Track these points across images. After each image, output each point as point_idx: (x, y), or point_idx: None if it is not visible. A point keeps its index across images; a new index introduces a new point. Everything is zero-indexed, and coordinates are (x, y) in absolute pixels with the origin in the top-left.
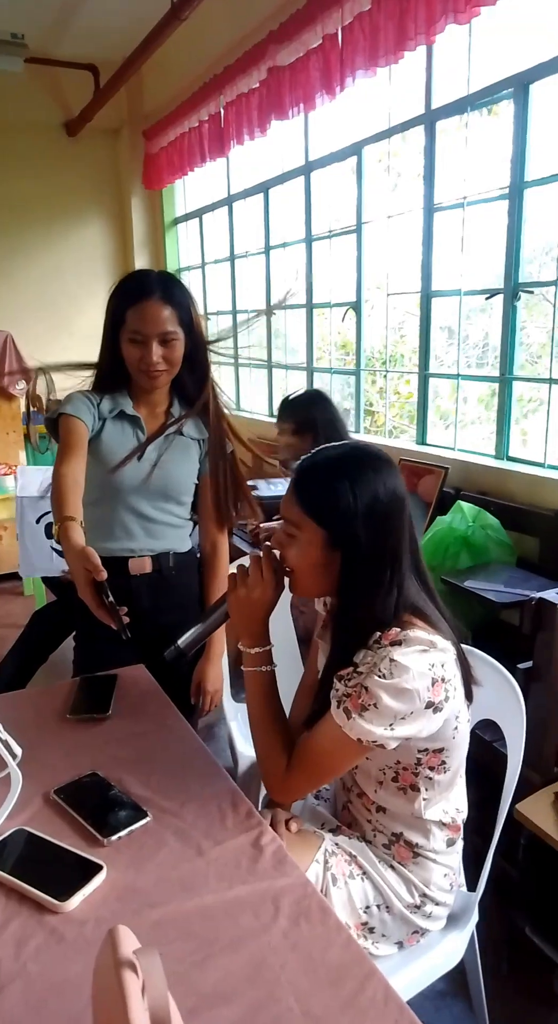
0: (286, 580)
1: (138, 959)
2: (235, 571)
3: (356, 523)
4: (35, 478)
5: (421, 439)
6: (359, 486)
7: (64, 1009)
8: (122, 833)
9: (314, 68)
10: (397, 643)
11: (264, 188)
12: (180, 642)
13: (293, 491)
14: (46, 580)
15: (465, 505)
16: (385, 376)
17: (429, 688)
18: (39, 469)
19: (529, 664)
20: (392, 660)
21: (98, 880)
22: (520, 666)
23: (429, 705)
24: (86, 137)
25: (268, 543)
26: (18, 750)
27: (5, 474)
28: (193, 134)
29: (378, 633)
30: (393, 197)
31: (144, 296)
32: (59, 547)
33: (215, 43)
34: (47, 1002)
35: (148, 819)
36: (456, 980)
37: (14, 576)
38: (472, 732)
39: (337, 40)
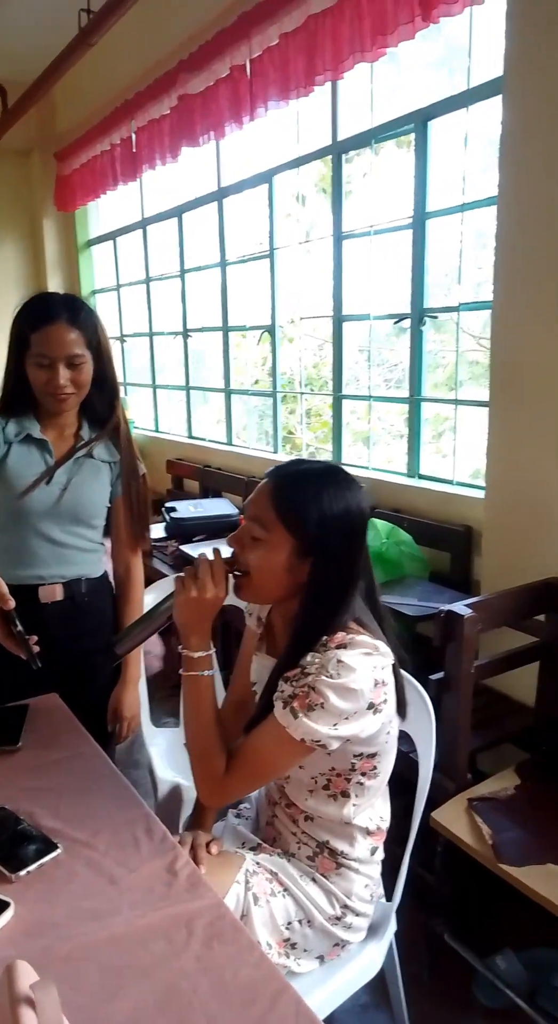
0: (233, 585)
1: (35, 993)
2: (183, 574)
3: (329, 535)
4: None
5: (336, 457)
6: (336, 500)
7: None
8: (31, 868)
9: (224, 97)
10: (343, 646)
11: (178, 212)
12: (116, 648)
13: (268, 496)
14: None
15: (379, 522)
16: (300, 398)
17: (372, 689)
18: None
19: (440, 675)
20: (340, 661)
21: (5, 918)
22: (432, 677)
23: (370, 706)
24: None
25: (216, 548)
26: None
27: None
28: (105, 157)
29: (325, 637)
30: (305, 224)
31: (49, 320)
32: None
33: (127, 68)
34: None
35: (59, 851)
36: (378, 991)
37: None
38: None
39: (246, 71)
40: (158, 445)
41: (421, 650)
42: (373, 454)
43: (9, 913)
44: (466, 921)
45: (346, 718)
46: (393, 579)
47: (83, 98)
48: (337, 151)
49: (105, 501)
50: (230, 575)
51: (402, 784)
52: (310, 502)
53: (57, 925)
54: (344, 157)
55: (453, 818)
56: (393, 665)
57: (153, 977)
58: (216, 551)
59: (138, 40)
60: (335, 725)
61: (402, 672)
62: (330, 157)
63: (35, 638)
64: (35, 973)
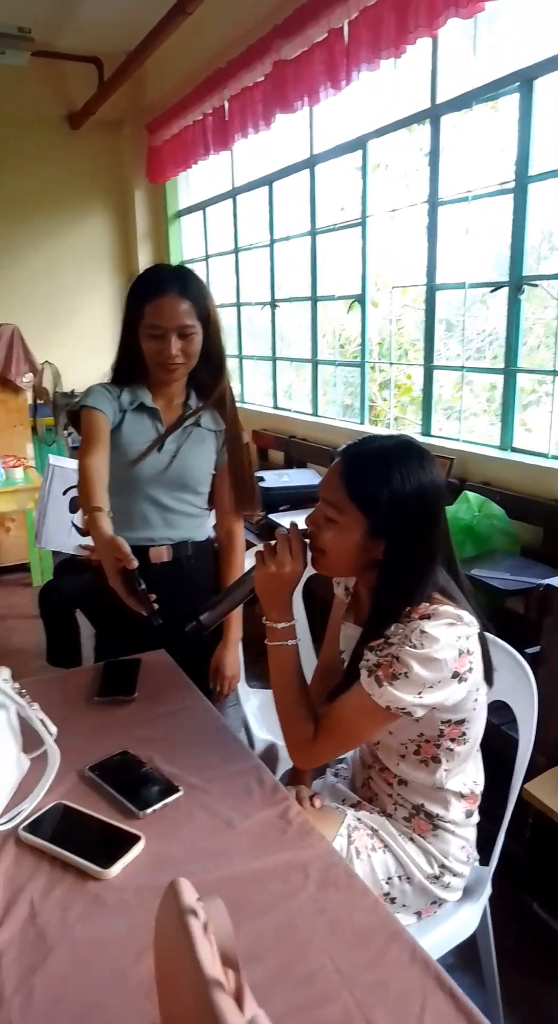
0: (310, 558)
1: (202, 906)
2: (262, 549)
3: (402, 515)
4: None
5: (426, 430)
6: (408, 479)
7: (109, 967)
8: (156, 807)
9: (318, 62)
10: (426, 616)
11: (268, 181)
12: (202, 617)
13: (340, 477)
14: (60, 562)
15: (471, 495)
16: (390, 367)
17: (456, 658)
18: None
19: (536, 649)
20: (423, 632)
21: (137, 850)
22: (527, 650)
23: (455, 675)
24: (89, 130)
25: (294, 523)
26: (54, 729)
27: (14, 466)
28: (197, 127)
29: (408, 608)
30: (398, 191)
31: (162, 291)
32: (80, 525)
33: (219, 36)
34: (93, 961)
35: (180, 793)
36: (466, 955)
37: (22, 568)
38: None
39: (342, 34)
40: (243, 416)
41: (510, 624)
42: (462, 426)
43: (140, 846)
44: (554, 892)
45: (430, 687)
46: (483, 553)
47: (174, 68)
48: (434, 114)
49: (210, 468)
50: (308, 549)
51: (492, 756)
52: (381, 482)
53: (179, 861)
54: (441, 120)
55: (545, 791)
56: (480, 634)
57: (271, 915)
58: (293, 525)
59: (231, 7)
60: (419, 694)
61: (490, 638)
62: (428, 120)
63: (155, 596)
64: (195, 891)
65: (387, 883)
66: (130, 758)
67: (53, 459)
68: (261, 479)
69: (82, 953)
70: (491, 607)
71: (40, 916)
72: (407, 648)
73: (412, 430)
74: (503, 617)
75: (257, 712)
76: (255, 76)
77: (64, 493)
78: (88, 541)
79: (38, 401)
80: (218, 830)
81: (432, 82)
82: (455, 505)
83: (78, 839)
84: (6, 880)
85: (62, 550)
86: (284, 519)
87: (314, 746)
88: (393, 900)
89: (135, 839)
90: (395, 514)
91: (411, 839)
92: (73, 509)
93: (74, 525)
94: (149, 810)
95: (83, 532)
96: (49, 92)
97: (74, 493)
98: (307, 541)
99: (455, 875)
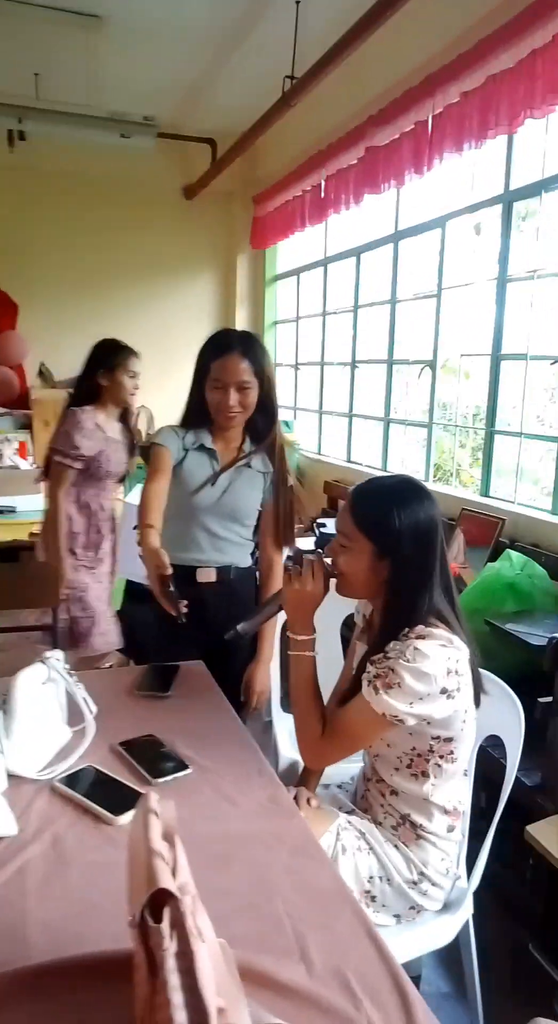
0: (333, 583)
1: (157, 804)
2: (290, 569)
3: (400, 539)
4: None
5: (484, 491)
6: (405, 509)
7: (112, 887)
8: (168, 778)
9: (406, 148)
10: (421, 637)
11: (357, 252)
12: (239, 627)
13: (348, 510)
14: (130, 587)
15: (513, 553)
16: (454, 431)
17: (444, 676)
18: None
19: (549, 699)
20: (416, 648)
21: None
22: (540, 700)
23: (443, 691)
24: (201, 200)
25: (320, 550)
26: (94, 708)
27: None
28: (297, 201)
29: (406, 629)
30: (470, 266)
31: (226, 351)
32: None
33: (320, 123)
34: (98, 877)
35: (190, 771)
36: (459, 984)
37: None
38: (483, 748)
39: (427, 125)
40: (319, 467)
41: (537, 677)
42: (519, 489)
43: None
44: (552, 935)
45: (421, 698)
46: (524, 610)
47: (281, 148)
48: (508, 199)
49: (257, 504)
50: (330, 577)
51: (493, 789)
52: (381, 511)
53: (182, 820)
54: (514, 205)
55: (548, 835)
56: (470, 659)
57: (250, 868)
58: (318, 552)
59: (331, 98)
60: (411, 704)
61: (484, 673)
62: (500, 205)
63: (185, 602)
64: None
65: (369, 882)
66: (154, 740)
67: (128, 498)
68: (323, 524)
69: (91, 871)
70: (524, 663)
71: (61, 843)
72: (401, 662)
73: (472, 490)
74: (538, 674)
75: (287, 734)
76: (350, 159)
77: (135, 528)
78: None
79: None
80: (218, 802)
81: (506, 170)
82: (498, 562)
83: (100, 794)
84: (39, 815)
85: (132, 579)
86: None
87: (322, 745)
88: (374, 898)
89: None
90: (394, 538)
91: (395, 846)
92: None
93: (140, 556)
94: (161, 780)
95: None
96: (169, 168)
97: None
98: (328, 561)
99: (433, 884)
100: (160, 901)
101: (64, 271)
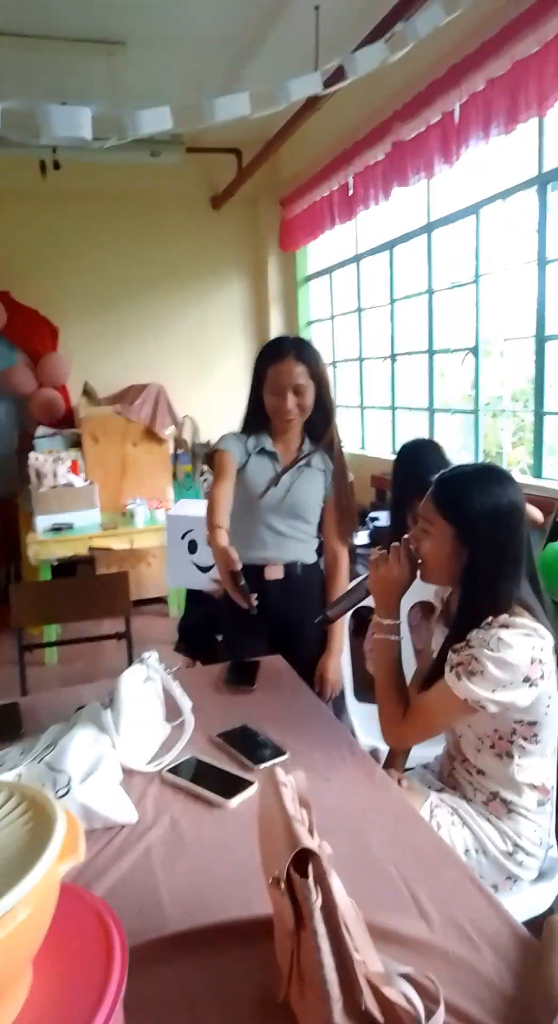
0: (418, 570)
1: (283, 777)
2: (377, 555)
3: (480, 524)
4: (185, 504)
5: (537, 472)
6: (487, 494)
7: (231, 861)
8: (267, 763)
9: (434, 140)
10: (505, 626)
11: (390, 246)
12: (329, 612)
13: (431, 496)
14: (190, 594)
15: None
16: (498, 415)
17: (528, 665)
18: (190, 501)
19: None
20: (499, 638)
21: (251, 791)
22: None
23: (526, 680)
24: (228, 208)
25: (406, 536)
26: (189, 703)
27: (158, 507)
28: (324, 202)
29: (490, 617)
30: (510, 250)
31: (282, 356)
32: (198, 563)
33: (345, 121)
34: (217, 854)
35: (287, 756)
36: None
37: (160, 600)
38: None
39: (454, 116)
40: (364, 462)
41: None
42: None
43: (253, 788)
44: None
45: (503, 686)
46: None
47: (305, 150)
48: (542, 182)
49: (319, 502)
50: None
51: None
52: (462, 494)
53: None
54: (549, 187)
55: None
56: (556, 646)
57: (355, 837)
58: (405, 539)
59: (354, 96)
60: (493, 691)
61: None
62: (535, 187)
63: (256, 595)
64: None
65: (465, 855)
66: (248, 729)
67: (172, 508)
68: (376, 518)
69: (209, 849)
70: None
71: (179, 826)
72: (484, 651)
73: (518, 472)
74: None
75: (364, 721)
76: (376, 155)
77: (182, 537)
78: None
79: (178, 451)
80: (316, 782)
81: (539, 152)
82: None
83: (207, 780)
84: (154, 803)
85: (188, 586)
86: None
87: (403, 727)
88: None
89: (249, 784)
90: (475, 523)
91: (488, 819)
92: (192, 550)
93: (195, 564)
94: (261, 765)
95: (204, 569)
96: (196, 180)
97: (191, 536)
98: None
99: (528, 855)
100: (303, 860)
101: (99, 289)
